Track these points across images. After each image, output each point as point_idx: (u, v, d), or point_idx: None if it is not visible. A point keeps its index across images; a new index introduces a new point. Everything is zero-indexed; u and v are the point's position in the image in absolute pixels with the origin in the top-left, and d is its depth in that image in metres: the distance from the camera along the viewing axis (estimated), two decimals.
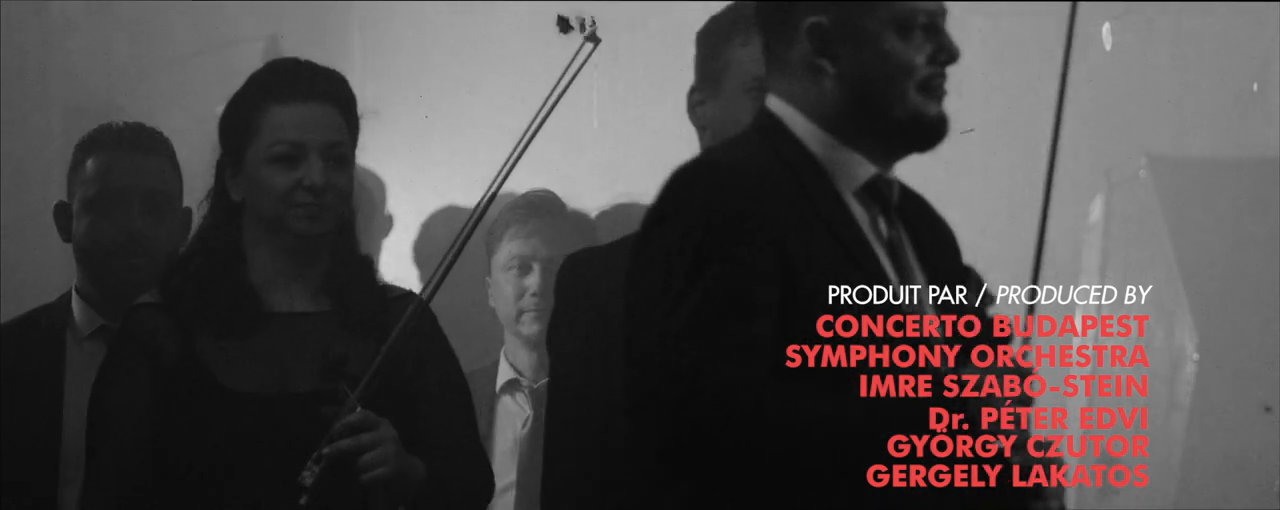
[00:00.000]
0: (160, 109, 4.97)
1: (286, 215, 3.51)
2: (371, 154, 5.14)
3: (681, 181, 2.85)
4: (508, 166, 3.52)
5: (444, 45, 5.49)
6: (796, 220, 2.81)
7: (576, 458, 3.62)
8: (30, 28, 5.22)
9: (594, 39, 3.50)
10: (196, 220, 3.66)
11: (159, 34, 5.34)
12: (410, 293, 3.63)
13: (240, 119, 3.56)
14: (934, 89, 2.88)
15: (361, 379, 3.42)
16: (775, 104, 2.91)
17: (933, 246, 2.96)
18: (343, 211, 3.56)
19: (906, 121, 2.86)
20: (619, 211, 5.05)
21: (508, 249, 4.76)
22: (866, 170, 2.89)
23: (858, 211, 2.88)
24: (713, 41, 3.61)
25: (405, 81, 5.44)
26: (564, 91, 3.49)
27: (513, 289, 4.74)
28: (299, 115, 3.53)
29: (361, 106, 3.60)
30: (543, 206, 4.80)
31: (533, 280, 4.72)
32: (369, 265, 3.64)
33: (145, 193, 4.03)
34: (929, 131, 2.88)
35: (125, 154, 4.05)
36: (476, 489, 3.63)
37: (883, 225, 2.91)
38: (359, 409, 3.40)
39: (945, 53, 2.88)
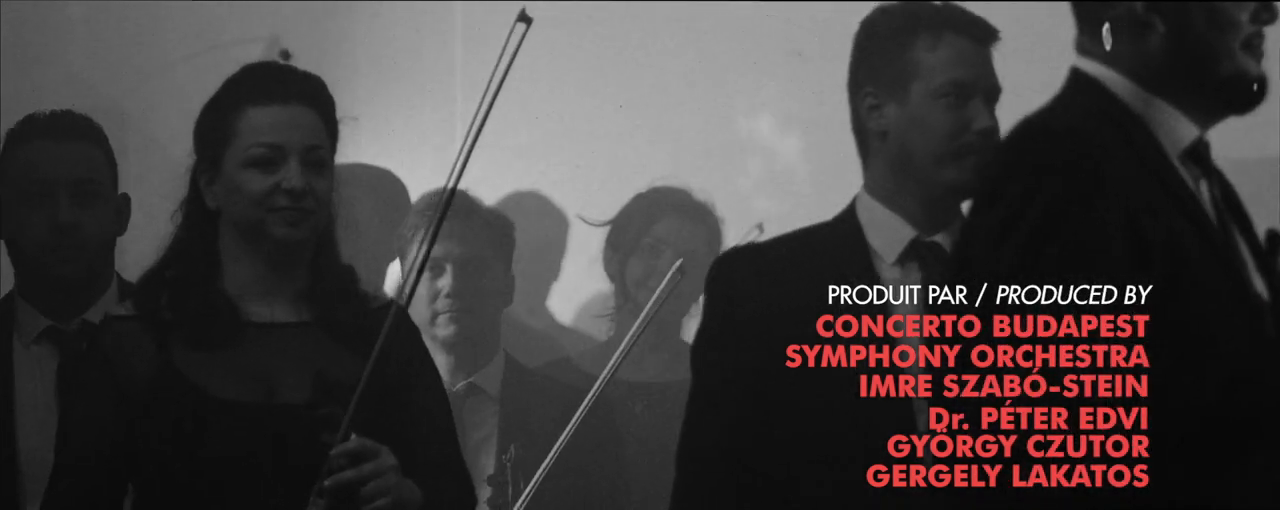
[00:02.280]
0: (160, 109, 4.98)
1: (264, 220, 3.42)
2: (370, 153, 5.15)
3: (1017, 147, 2.79)
4: (464, 154, 3.44)
5: (445, 43, 5.49)
6: (1135, 182, 2.76)
7: (710, 477, 3.47)
8: (30, 28, 5.22)
9: (525, 19, 3.43)
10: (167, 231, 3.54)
11: (159, 34, 5.34)
12: (392, 301, 3.55)
13: (216, 123, 3.47)
14: (1256, 48, 2.86)
15: (351, 402, 3.33)
16: (1091, 66, 2.86)
17: (1239, 210, 2.93)
18: (321, 217, 3.47)
19: (1231, 78, 2.84)
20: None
21: (419, 252, 4.65)
22: (1190, 132, 2.85)
23: (1183, 174, 2.85)
24: (889, 43, 3.50)
25: (407, 81, 5.44)
26: (505, 75, 3.41)
27: (426, 291, 4.63)
28: (277, 117, 3.44)
29: (341, 111, 3.53)
30: (453, 205, 4.71)
31: (445, 282, 4.62)
32: (352, 275, 3.55)
33: (72, 182, 3.91)
34: (1250, 92, 2.86)
35: (51, 143, 3.93)
36: (462, 507, 3.55)
37: (1204, 189, 2.87)
38: (354, 436, 3.31)
39: (1269, 11, 2.86)
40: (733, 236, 4.99)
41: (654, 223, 4.94)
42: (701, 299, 4.99)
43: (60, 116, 4.00)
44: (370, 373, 3.34)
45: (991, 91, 3.51)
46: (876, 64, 3.51)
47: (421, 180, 5.14)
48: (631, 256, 4.94)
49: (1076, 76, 2.88)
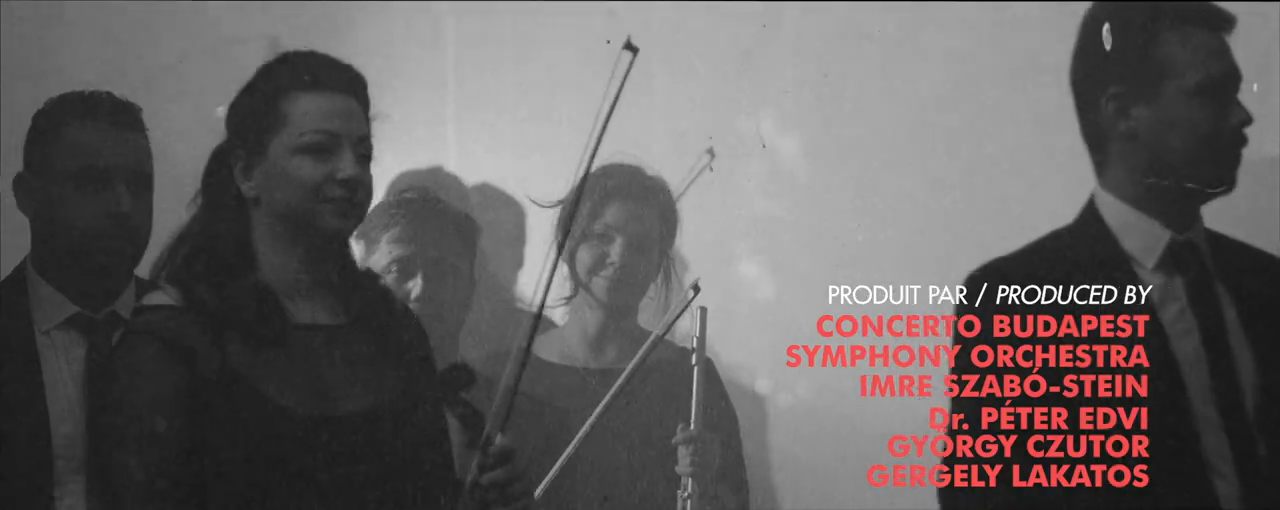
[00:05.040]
0: (160, 109, 4.97)
1: (315, 210, 3.31)
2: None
3: None
4: (579, 180, 3.40)
5: (439, 47, 5.49)
6: None
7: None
8: (30, 28, 5.22)
9: (631, 48, 3.39)
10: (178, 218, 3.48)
11: (159, 34, 5.34)
12: (406, 305, 3.50)
13: (262, 107, 3.35)
14: None
15: (509, 399, 3.30)
16: None
17: None
18: (365, 212, 3.37)
19: None
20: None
21: (387, 252, 4.58)
22: None
23: None
24: (1133, 41, 3.38)
25: (403, 82, 5.45)
26: (616, 102, 3.39)
27: None
28: (331, 104, 3.33)
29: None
30: (422, 205, 4.63)
31: (415, 284, 4.55)
32: (376, 277, 3.48)
33: (131, 173, 3.82)
34: None
35: (109, 129, 3.84)
36: None
37: None
38: (499, 436, 3.28)
39: None
40: (688, 206, 5.00)
41: (603, 209, 4.91)
42: (664, 289, 4.97)
43: (111, 100, 3.89)
44: (515, 381, 3.32)
45: (1239, 81, 3.43)
46: (1120, 64, 3.37)
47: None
48: (582, 244, 4.92)
49: None
